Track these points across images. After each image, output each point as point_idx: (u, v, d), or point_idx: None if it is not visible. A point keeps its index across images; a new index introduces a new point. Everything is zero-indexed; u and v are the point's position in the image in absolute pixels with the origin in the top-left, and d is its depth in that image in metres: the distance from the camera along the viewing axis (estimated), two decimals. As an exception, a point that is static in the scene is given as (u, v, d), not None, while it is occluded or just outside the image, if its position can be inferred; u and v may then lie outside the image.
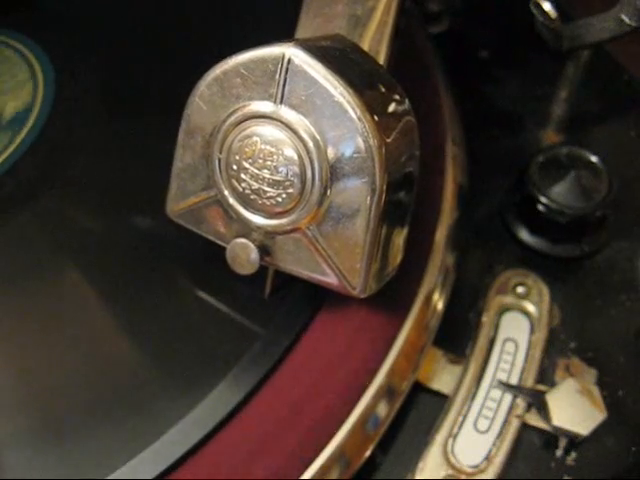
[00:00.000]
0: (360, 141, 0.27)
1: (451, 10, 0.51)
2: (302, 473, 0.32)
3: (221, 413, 0.31)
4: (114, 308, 0.34)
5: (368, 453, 0.34)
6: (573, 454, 0.36)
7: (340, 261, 0.29)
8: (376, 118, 0.27)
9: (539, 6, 0.39)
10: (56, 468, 0.30)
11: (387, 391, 0.34)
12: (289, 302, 0.34)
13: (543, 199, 0.40)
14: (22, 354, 0.33)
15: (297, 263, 0.30)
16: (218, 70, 0.29)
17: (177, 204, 0.32)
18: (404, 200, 0.30)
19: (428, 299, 0.37)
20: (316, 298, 0.34)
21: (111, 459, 0.30)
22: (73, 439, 0.31)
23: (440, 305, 0.38)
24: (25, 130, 0.38)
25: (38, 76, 0.40)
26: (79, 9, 0.44)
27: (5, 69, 0.41)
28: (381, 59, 0.33)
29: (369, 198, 0.28)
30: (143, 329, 0.34)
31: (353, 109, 0.27)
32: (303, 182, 0.28)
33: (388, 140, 0.28)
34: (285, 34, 0.32)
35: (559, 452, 0.36)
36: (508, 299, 0.40)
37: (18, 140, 0.38)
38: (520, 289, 0.40)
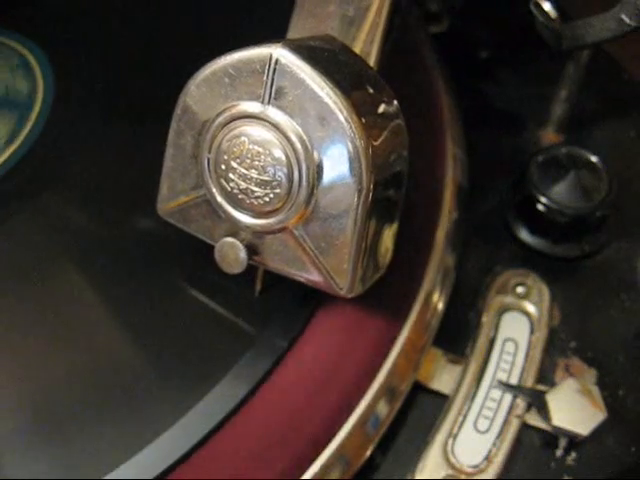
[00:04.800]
0: (347, 142, 0.27)
1: (451, 10, 0.51)
2: (302, 473, 0.32)
3: (221, 413, 0.31)
4: (113, 308, 0.34)
5: (368, 453, 0.34)
6: (573, 454, 0.36)
7: (327, 261, 0.29)
8: (363, 120, 0.28)
9: (539, 6, 0.39)
10: (56, 468, 0.30)
11: (387, 391, 0.34)
12: (288, 302, 0.34)
13: (543, 199, 0.40)
14: (21, 353, 0.33)
15: (285, 262, 0.30)
16: (207, 70, 0.29)
17: (167, 203, 0.32)
18: (392, 200, 0.30)
19: (428, 299, 0.37)
20: (315, 298, 0.34)
21: (110, 459, 0.30)
22: (72, 439, 0.31)
23: (440, 305, 0.38)
24: (25, 130, 0.39)
25: (37, 76, 0.41)
26: (78, 9, 0.45)
27: (4, 69, 0.41)
28: (372, 60, 0.33)
29: (355, 199, 0.28)
30: (142, 329, 0.34)
31: (340, 110, 0.27)
32: (290, 182, 0.28)
33: (375, 141, 0.28)
34: (278, 34, 0.32)
35: (559, 452, 0.36)
36: (508, 299, 0.40)
37: (18, 140, 0.38)
38: (520, 289, 0.40)
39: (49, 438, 0.31)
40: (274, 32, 0.32)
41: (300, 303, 0.34)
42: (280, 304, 0.34)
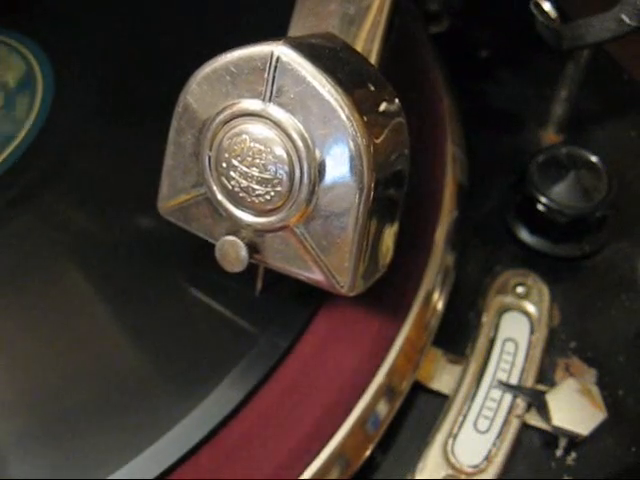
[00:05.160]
0: (348, 140, 0.27)
1: (451, 10, 0.51)
2: (302, 473, 0.32)
3: (221, 413, 0.31)
4: (114, 308, 0.34)
5: (368, 453, 0.34)
6: (573, 454, 0.36)
7: (328, 259, 0.29)
8: (365, 118, 0.27)
9: (539, 6, 0.39)
10: (56, 468, 0.30)
11: (387, 391, 0.34)
12: (289, 302, 0.34)
13: (543, 199, 0.40)
14: (23, 354, 0.33)
15: (286, 261, 0.30)
16: (208, 68, 0.29)
17: (168, 201, 0.32)
18: (393, 199, 0.30)
19: (428, 299, 0.37)
20: (316, 298, 0.34)
21: (112, 459, 0.30)
22: (73, 439, 0.31)
23: (440, 305, 0.38)
24: (24, 130, 0.39)
25: (37, 76, 0.40)
26: (78, 9, 0.45)
27: (4, 69, 0.41)
28: (373, 58, 0.33)
29: (357, 197, 0.28)
30: (144, 330, 0.34)
31: (342, 108, 0.27)
32: (291, 180, 0.28)
33: (377, 139, 0.28)
34: (279, 32, 0.32)
35: (559, 452, 0.36)
36: (508, 299, 0.40)
37: (18, 140, 0.38)
38: (520, 289, 0.40)
39: (51, 439, 0.31)
40: (275, 30, 0.32)
41: (300, 303, 0.34)
42: (280, 304, 0.34)
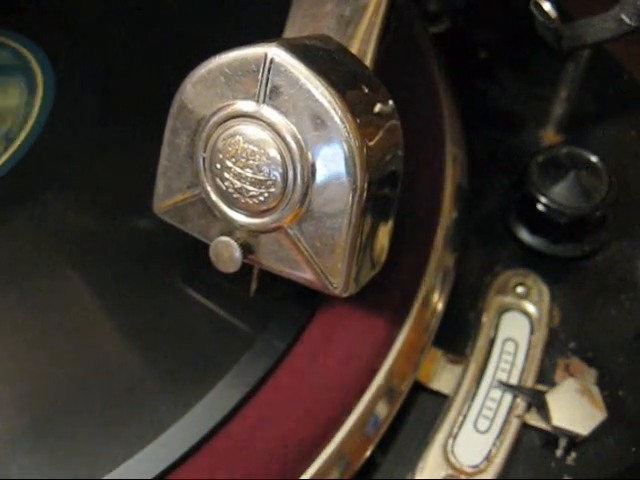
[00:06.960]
0: (341, 142, 0.27)
1: (451, 10, 0.51)
2: (302, 473, 0.32)
3: (220, 413, 0.31)
4: (113, 309, 0.34)
5: (368, 453, 0.34)
6: (573, 454, 0.36)
7: (321, 260, 0.29)
8: (358, 120, 0.27)
9: (539, 6, 0.39)
10: (54, 468, 0.30)
11: (387, 391, 0.34)
12: (287, 303, 0.34)
13: (543, 199, 0.40)
14: (21, 354, 0.33)
15: (279, 261, 0.30)
16: (203, 69, 0.29)
17: (163, 202, 0.32)
18: (387, 199, 0.30)
19: (428, 299, 0.37)
20: (314, 298, 0.34)
21: (109, 459, 0.30)
22: (71, 439, 0.31)
23: (440, 305, 0.38)
24: (25, 131, 0.39)
25: (37, 77, 0.41)
26: (79, 10, 0.45)
27: (4, 70, 0.41)
28: (368, 60, 0.33)
29: (350, 198, 0.28)
30: (142, 330, 0.34)
31: (335, 110, 0.27)
32: (285, 181, 0.28)
33: (370, 141, 0.28)
34: (275, 34, 0.33)
35: (559, 452, 0.36)
36: (508, 299, 0.40)
37: (18, 141, 0.38)
38: (520, 289, 0.40)
39: (48, 439, 0.31)
40: (271, 31, 0.32)
41: (299, 303, 0.34)
42: (279, 305, 0.34)
